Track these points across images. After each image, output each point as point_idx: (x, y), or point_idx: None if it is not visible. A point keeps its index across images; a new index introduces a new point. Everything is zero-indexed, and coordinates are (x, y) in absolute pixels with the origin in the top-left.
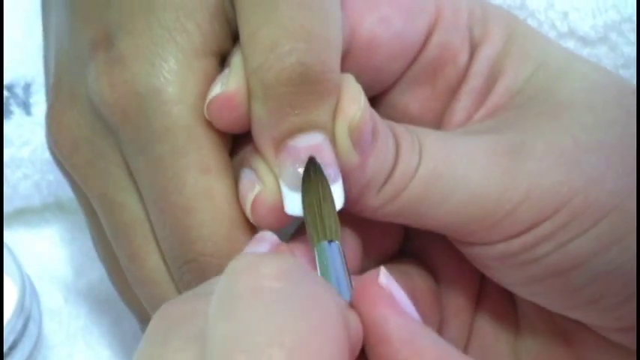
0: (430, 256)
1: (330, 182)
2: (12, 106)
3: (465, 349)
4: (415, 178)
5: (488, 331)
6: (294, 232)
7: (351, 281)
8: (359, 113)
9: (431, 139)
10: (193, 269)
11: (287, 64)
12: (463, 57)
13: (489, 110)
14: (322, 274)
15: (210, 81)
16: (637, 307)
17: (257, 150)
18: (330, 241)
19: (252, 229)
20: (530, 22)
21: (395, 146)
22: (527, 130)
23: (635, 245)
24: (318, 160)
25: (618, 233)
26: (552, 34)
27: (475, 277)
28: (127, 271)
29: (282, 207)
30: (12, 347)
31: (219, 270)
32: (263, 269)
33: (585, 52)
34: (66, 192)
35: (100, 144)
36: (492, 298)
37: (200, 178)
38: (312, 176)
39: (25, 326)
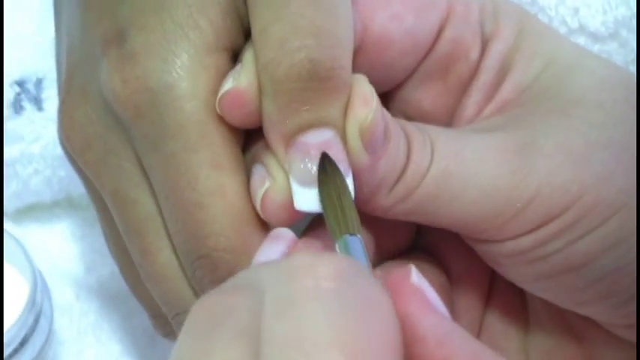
0: (441, 252)
1: None
2: (23, 102)
3: None
4: (427, 177)
5: (498, 328)
6: (305, 228)
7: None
8: (371, 115)
9: (442, 138)
10: (205, 264)
11: (296, 59)
12: (474, 52)
13: (498, 105)
14: None
15: (222, 77)
16: (637, 307)
17: (268, 146)
18: (352, 235)
19: (265, 224)
20: (541, 18)
21: (406, 146)
22: (536, 127)
23: None
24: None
25: (627, 231)
26: (563, 30)
27: (486, 274)
28: (139, 267)
29: (291, 203)
30: (23, 343)
31: (231, 265)
32: (320, 269)
33: (596, 48)
34: (77, 188)
35: (113, 140)
36: (502, 295)
37: (212, 174)
38: (329, 170)
39: (36, 322)
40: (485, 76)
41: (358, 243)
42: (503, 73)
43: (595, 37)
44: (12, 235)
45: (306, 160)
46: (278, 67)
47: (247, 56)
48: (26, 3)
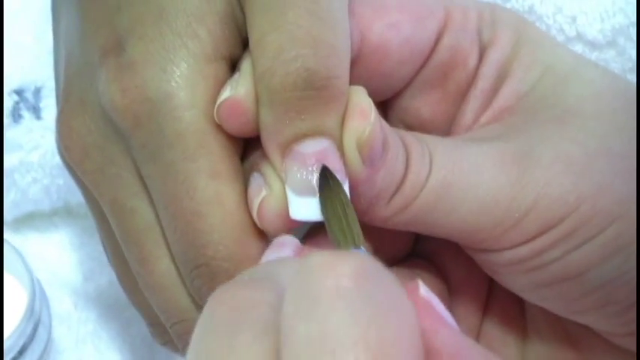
0: (440, 259)
1: None
2: (22, 111)
3: None
4: (425, 188)
5: (497, 335)
6: (302, 238)
7: None
8: (369, 128)
9: (440, 148)
10: (204, 274)
11: (292, 69)
12: (472, 60)
13: (496, 112)
14: None
15: (220, 86)
16: (637, 308)
17: (265, 155)
18: (356, 248)
19: (263, 233)
20: (539, 26)
21: (405, 157)
22: (534, 137)
23: None
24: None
25: (624, 240)
26: (560, 38)
27: (484, 281)
28: (138, 276)
29: (287, 212)
30: (21, 352)
31: (230, 274)
32: (342, 268)
33: (593, 56)
34: (75, 196)
35: (111, 149)
36: (501, 302)
37: (211, 183)
38: (331, 183)
39: (34, 331)
40: (482, 84)
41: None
42: (500, 80)
43: (592, 45)
44: (10, 244)
45: (302, 169)
46: (274, 77)
47: (245, 65)
48: (25, 12)
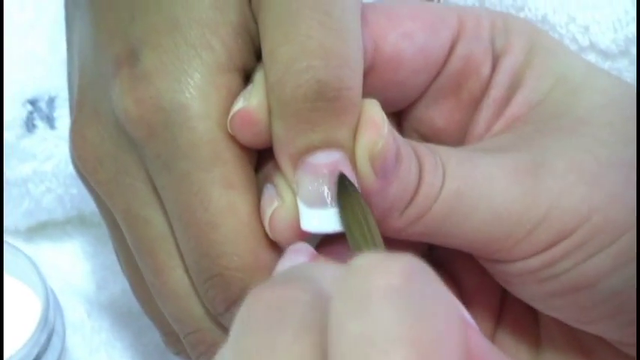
0: (453, 267)
1: None
2: (36, 120)
3: None
4: (439, 199)
5: (510, 344)
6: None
7: None
8: (381, 141)
9: (454, 159)
10: (218, 284)
11: (303, 80)
12: (486, 69)
13: (508, 121)
14: None
15: (234, 97)
16: (637, 309)
17: (278, 166)
18: None
19: (277, 243)
20: (552, 35)
21: (418, 168)
22: (547, 146)
23: None
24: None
25: (636, 250)
26: (573, 48)
27: (497, 290)
28: (151, 286)
29: (298, 223)
30: None
31: (244, 284)
32: (392, 268)
33: (606, 65)
34: (89, 206)
35: (124, 159)
36: (514, 311)
37: (225, 193)
38: (350, 190)
39: (48, 340)
40: (495, 92)
41: None
42: (513, 89)
43: (605, 54)
44: (24, 253)
45: (314, 181)
46: (285, 88)
47: (258, 77)
48: (38, 22)
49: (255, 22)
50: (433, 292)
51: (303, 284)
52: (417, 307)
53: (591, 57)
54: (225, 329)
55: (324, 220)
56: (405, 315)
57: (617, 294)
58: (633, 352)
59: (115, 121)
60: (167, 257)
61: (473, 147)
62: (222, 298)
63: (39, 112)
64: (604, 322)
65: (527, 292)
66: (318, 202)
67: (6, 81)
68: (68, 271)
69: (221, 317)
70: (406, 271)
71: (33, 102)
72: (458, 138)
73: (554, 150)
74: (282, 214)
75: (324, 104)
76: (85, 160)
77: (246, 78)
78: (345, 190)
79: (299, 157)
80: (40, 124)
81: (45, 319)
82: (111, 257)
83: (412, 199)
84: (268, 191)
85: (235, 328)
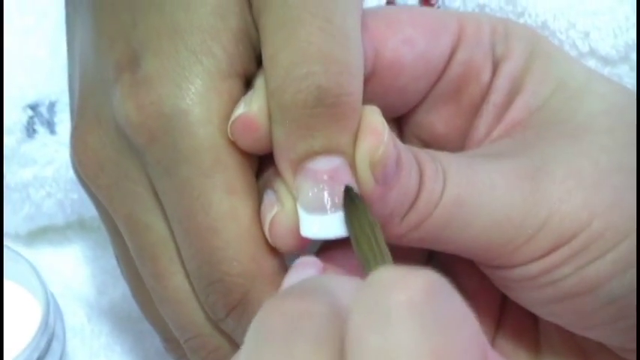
0: (453, 273)
1: None
2: (36, 125)
3: None
4: (439, 205)
5: (509, 349)
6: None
7: None
8: (382, 148)
9: (454, 165)
10: (219, 290)
11: (303, 86)
12: (486, 74)
13: (508, 126)
14: None
15: (235, 103)
16: (637, 309)
17: (279, 172)
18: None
19: (278, 249)
20: (552, 41)
21: (418, 174)
22: (547, 153)
23: None
24: (337, 183)
25: (636, 256)
26: (573, 54)
27: (497, 295)
28: (152, 291)
29: (298, 229)
30: None
31: (244, 290)
32: (413, 283)
33: (606, 71)
34: (89, 211)
35: (125, 165)
36: (514, 316)
37: (226, 199)
38: (357, 202)
39: (48, 344)
40: (495, 97)
41: None
42: (513, 94)
43: (605, 60)
44: (25, 258)
45: (314, 186)
46: (285, 94)
47: (259, 82)
48: (39, 26)
49: (256, 28)
50: (454, 307)
51: (320, 297)
52: (438, 323)
53: (591, 63)
54: (225, 335)
55: (324, 226)
56: (426, 330)
57: (617, 299)
58: (633, 358)
59: (116, 127)
60: (168, 262)
61: (473, 153)
62: (223, 304)
63: (39, 117)
64: (604, 327)
65: (527, 298)
66: (318, 208)
67: (6, 86)
68: (68, 275)
69: (222, 323)
70: (427, 287)
71: (33, 107)
72: (458, 143)
73: (554, 156)
74: (282, 220)
75: (324, 110)
76: (86, 166)
77: (247, 84)
78: (351, 202)
79: (299, 163)
80: (40, 129)
81: (45, 324)
82: (111, 262)
83: (413, 205)
84: (268, 197)
85: (251, 338)
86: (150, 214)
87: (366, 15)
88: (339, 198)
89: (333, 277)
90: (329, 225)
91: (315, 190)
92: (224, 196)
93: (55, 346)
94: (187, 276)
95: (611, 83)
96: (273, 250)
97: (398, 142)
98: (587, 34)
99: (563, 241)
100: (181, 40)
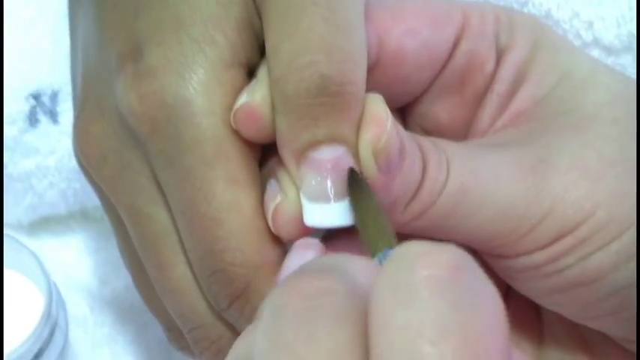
0: None
1: None
2: (39, 115)
3: None
4: (443, 194)
5: (512, 339)
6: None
7: None
8: (385, 137)
9: (458, 154)
10: (221, 279)
11: (305, 75)
12: (490, 64)
13: (512, 116)
14: None
15: (238, 93)
16: (637, 308)
17: (282, 161)
18: (392, 249)
19: (281, 239)
20: (556, 31)
21: (422, 162)
22: (551, 143)
23: None
24: (340, 173)
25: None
26: (577, 44)
27: (500, 285)
28: (155, 281)
29: (301, 218)
30: (38, 355)
31: (247, 280)
32: (440, 259)
33: (610, 61)
34: (92, 200)
35: (128, 155)
36: (517, 307)
37: (228, 189)
38: (363, 185)
39: (51, 334)
40: (499, 87)
41: None
42: (517, 84)
43: (609, 50)
44: (27, 248)
45: (317, 176)
46: (288, 83)
47: (262, 72)
48: (41, 16)
49: (259, 17)
50: (480, 283)
51: (338, 275)
52: (466, 299)
53: (595, 52)
54: (228, 324)
55: (327, 215)
56: (454, 306)
57: (620, 289)
58: (635, 349)
59: (119, 117)
60: (170, 253)
61: (477, 142)
62: (226, 294)
63: (42, 106)
64: (607, 318)
65: (531, 288)
66: (321, 197)
67: (9, 75)
68: (71, 265)
69: (224, 313)
70: (454, 262)
71: (36, 96)
72: (462, 133)
73: (559, 146)
74: (285, 209)
75: (327, 99)
76: (89, 156)
77: (250, 74)
78: (356, 185)
79: (302, 153)
80: (42, 118)
81: (48, 314)
82: (114, 252)
83: (416, 193)
84: (271, 186)
85: (268, 318)
86: (152, 204)
87: (369, 5)
88: (342, 187)
89: (347, 257)
90: (332, 214)
91: (319, 180)
92: (227, 186)
93: (58, 336)
94: (190, 266)
95: (616, 73)
96: (276, 240)
97: (401, 130)
98: (590, 24)
99: (566, 230)
100: (184, 30)
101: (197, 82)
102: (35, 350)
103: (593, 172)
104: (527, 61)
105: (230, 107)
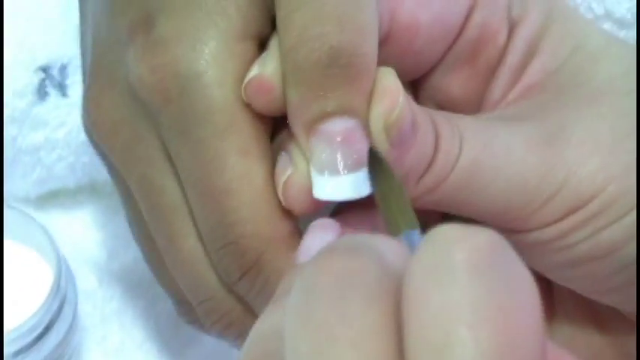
0: None
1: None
2: (48, 88)
3: None
4: (456, 168)
5: None
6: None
7: None
8: (397, 111)
9: (471, 128)
10: (232, 252)
11: (316, 46)
12: (502, 36)
13: (524, 89)
14: None
15: (249, 65)
16: (637, 307)
17: (293, 133)
18: (413, 230)
19: (292, 212)
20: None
21: (434, 136)
22: (564, 116)
23: None
24: (351, 145)
25: None
26: (589, 17)
27: None
28: (165, 253)
29: (311, 191)
30: (48, 328)
31: (258, 252)
32: (476, 241)
33: (622, 34)
34: (100, 174)
35: (139, 127)
36: None
37: (240, 161)
38: (383, 162)
39: (60, 308)
40: (511, 59)
41: (420, 238)
42: (529, 56)
43: (621, 23)
44: (36, 221)
45: (327, 148)
46: (298, 54)
47: (273, 44)
48: None
49: None
50: (515, 267)
51: (365, 254)
52: (503, 281)
53: (607, 25)
54: (238, 297)
55: (337, 187)
56: (491, 288)
57: (631, 264)
58: None
59: (130, 88)
60: (181, 225)
61: (490, 115)
62: (237, 266)
63: (51, 79)
64: (618, 292)
65: (542, 263)
66: (331, 170)
67: (18, 48)
68: (79, 239)
69: (235, 285)
70: (490, 245)
71: (45, 69)
72: (474, 106)
73: (572, 119)
74: (296, 182)
75: (337, 70)
76: (100, 127)
77: (262, 46)
78: (377, 162)
79: (312, 125)
80: (52, 91)
81: (57, 287)
82: (122, 226)
83: (429, 167)
84: (282, 159)
85: (299, 298)
86: (163, 176)
87: None
88: (352, 160)
89: (377, 236)
90: (342, 187)
91: (329, 152)
92: (238, 158)
93: (67, 309)
94: (200, 239)
95: (628, 46)
96: (287, 213)
97: (413, 104)
98: None
99: (579, 205)
100: (196, 2)
101: (209, 54)
102: (45, 322)
103: (606, 145)
104: (540, 33)
105: (241, 79)
